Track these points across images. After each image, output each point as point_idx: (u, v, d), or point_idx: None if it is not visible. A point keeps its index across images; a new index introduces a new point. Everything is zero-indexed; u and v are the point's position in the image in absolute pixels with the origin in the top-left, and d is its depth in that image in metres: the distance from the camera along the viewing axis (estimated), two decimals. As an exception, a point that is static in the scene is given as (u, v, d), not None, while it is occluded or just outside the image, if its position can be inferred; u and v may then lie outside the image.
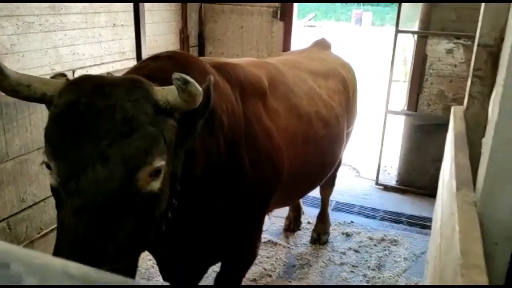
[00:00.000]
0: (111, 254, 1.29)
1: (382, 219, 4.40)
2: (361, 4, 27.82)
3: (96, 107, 1.31)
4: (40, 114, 2.44)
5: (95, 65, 4.05)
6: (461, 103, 4.81)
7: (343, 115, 2.98)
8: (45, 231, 2.58)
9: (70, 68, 3.81)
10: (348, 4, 28.50)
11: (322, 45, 3.75)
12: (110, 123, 1.29)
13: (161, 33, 4.94)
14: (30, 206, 2.45)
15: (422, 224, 4.27)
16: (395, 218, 4.42)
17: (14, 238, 2.38)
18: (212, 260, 2.35)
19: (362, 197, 4.85)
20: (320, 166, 2.75)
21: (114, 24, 4.17)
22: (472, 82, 2.32)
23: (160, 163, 1.38)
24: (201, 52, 5.53)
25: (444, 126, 4.97)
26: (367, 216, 4.41)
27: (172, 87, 1.41)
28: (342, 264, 3.55)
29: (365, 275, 3.40)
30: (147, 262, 3.47)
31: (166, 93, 1.40)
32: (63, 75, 1.65)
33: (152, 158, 1.35)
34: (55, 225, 2.58)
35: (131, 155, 1.30)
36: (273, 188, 2.24)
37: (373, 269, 3.48)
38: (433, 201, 4.82)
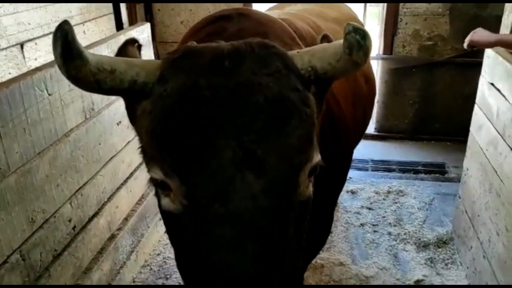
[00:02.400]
0: None
1: (375, 169, 4.29)
2: None
3: (225, 89, 0.90)
4: (35, 107, 1.87)
5: (43, 35, 3.34)
6: (436, 42, 4.76)
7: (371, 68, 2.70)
8: (59, 251, 2.07)
9: (17, 41, 3.10)
10: None
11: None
12: (251, 109, 0.89)
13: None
14: (41, 226, 1.92)
15: (414, 169, 4.22)
16: (386, 167, 4.32)
17: (30, 270, 1.86)
18: None
19: (346, 149, 4.69)
20: (364, 126, 2.48)
21: (59, -17, 3.44)
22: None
23: (317, 157, 1.00)
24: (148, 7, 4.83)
25: (421, 68, 4.92)
26: (360, 169, 4.26)
27: (315, 49, 1.02)
28: (362, 225, 3.37)
29: (389, 233, 3.25)
30: (156, 258, 3.05)
31: (309, 58, 1.00)
32: (134, 41, 1.17)
33: (312, 151, 0.97)
34: (68, 241, 2.13)
35: (293, 152, 0.92)
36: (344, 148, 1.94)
37: (395, 225, 3.34)
38: (415, 145, 4.83)
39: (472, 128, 2.88)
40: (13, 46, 3.06)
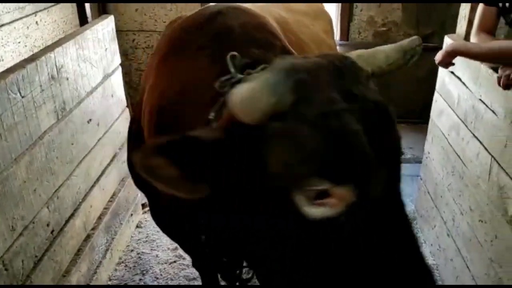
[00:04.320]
0: None
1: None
2: None
3: (351, 103, 0.97)
4: (10, 111, 1.79)
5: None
6: (389, 28, 4.92)
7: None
8: (39, 257, 2.02)
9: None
10: None
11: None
12: (368, 116, 0.98)
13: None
14: (21, 234, 1.86)
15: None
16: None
17: (13, 278, 1.81)
18: None
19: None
20: None
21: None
22: None
23: None
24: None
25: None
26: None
27: (363, 54, 1.13)
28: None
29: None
30: (130, 254, 3.01)
31: (361, 64, 1.09)
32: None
33: None
34: (47, 246, 2.06)
35: (401, 146, 1.09)
36: None
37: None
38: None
39: (432, 114, 3.04)
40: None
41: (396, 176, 1.05)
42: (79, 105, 2.38)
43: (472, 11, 2.61)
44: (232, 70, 1.13)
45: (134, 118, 1.84)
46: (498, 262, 2.09)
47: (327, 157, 0.93)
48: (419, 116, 4.56)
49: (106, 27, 2.73)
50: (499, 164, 2.10)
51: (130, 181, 3.04)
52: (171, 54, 1.50)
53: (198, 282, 2.74)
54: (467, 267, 2.41)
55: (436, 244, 2.85)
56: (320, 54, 1.11)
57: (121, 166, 2.94)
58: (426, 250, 2.99)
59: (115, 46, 2.88)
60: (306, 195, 0.96)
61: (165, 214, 1.85)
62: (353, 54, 1.13)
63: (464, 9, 2.75)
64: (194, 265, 2.26)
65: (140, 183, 1.87)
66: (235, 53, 1.15)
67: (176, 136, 0.98)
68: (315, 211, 0.97)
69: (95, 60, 2.59)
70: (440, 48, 2.53)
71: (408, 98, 4.76)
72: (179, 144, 0.97)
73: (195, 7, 4.71)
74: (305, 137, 0.93)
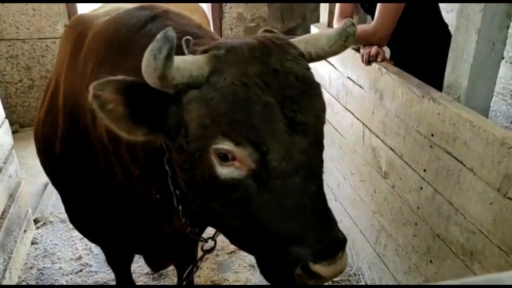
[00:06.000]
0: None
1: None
2: None
3: (267, 75, 1.14)
4: None
5: None
6: (258, 23, 5.25)
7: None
8: None
9: None
10: None
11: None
12: (289, 87, 1.15)
13: None
14: None
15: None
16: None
17: None
18: None
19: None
20: None
21: None
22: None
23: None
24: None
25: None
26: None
27: (308, 38, 1.34)
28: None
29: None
30: (30, 271, 2.85)
31: (304, 46, 1.30)
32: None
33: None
34: None
35: (321, 112, 1.23)
36: None
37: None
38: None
39: (308, 96, 3.37)
40: None
41: (315, 148, 1.18)
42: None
43: (331, 3, 2.98)
44: (186, 51, 1.24)
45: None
46: (379, 212, 2.46)
47: (232, 121, 1.10)
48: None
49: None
50: (369, 129, 2.47)
51: (19, 196, 2.88)
52: (113, 57, 1.50)
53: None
54: (355, 223, 2.77)
55: (326, 210, 3.20)
56: (259, 34, 1.28)
57: (8, 180, 2.77)
58: (318, 218, 3.32)
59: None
60: (216, 155, 1.14)
61: (84, 213, 1.85)
62: (300, 38, 1.33)
63: (324, 4, 3.12)
64: (110, 263, 2.27)
65: (60, 179, 1.88)
66: (189, 37, 1.26)
67: (131, 78, 1.13)
68: (223, 171, 1.15)
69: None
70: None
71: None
72: (133, 85, 1.12)
73: (60, 11, 4.54)
74: (214, 103, 1.12)
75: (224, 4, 4.91)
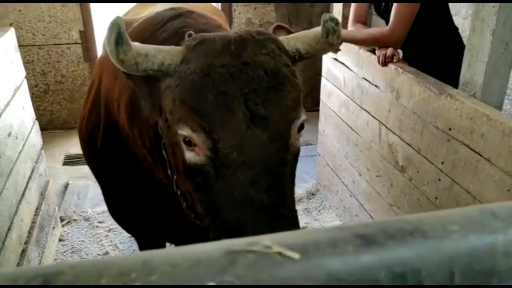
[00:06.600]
0: (291, 219, 1.19)
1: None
2: None
3: (234, 67, 1.18)
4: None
5: None
6: (266, 28, 5.37)
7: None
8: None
9: None
10: None
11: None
12: (255, 80, 1.17)
13: None
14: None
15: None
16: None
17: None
18: None
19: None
20: None
21: None
22: None
23: (304, 116, 1.30)
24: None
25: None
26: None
27: (299, 34, 1.36)
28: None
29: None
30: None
31: (294, 42, 1.33)
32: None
33: (300, 111, 1.27)
34: None
35: (287, 110, 1.21)
36: None
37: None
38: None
39: (322, 96, 3.53)
40: None
41: (274, 143, 1.16)
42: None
43: (345, 7, 3.14)
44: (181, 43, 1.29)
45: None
46: (396, 205, 2.60)
47: (190, 108, 1.18)
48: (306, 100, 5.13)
49: (7, 39, 2.69)
50: (386, 127, 2.61)
51: (48, 195, 3.01)
52: None
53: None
54: (371, 217, 2.91)
55: (341, 206, 3.34)
56: (243, 29, 1.34)
57: (39, 179, 2.90)
58: (332, 214, 3.47)
59: (18, 58, 2.83)
60: (182, 140, 1.22)
61: (122, 202, 1.98)
62: (295, 35, 1.38)
63: (338, 6, 3.27)
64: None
65: (101, 172, 2.02)
66: (191, 31, 1.35)
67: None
68: (188, 155, 1.22)
69: (4, 74, 2.55)
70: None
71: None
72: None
73: (75, 18, 4.66)
74: (178, 90, 1.21)
75: (233, 9, 5.07)
